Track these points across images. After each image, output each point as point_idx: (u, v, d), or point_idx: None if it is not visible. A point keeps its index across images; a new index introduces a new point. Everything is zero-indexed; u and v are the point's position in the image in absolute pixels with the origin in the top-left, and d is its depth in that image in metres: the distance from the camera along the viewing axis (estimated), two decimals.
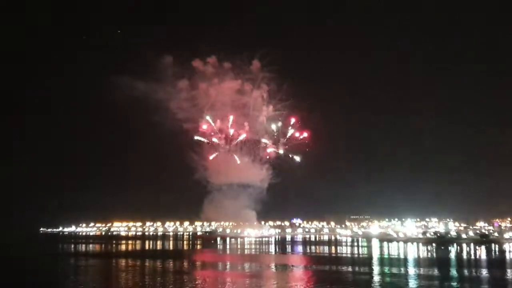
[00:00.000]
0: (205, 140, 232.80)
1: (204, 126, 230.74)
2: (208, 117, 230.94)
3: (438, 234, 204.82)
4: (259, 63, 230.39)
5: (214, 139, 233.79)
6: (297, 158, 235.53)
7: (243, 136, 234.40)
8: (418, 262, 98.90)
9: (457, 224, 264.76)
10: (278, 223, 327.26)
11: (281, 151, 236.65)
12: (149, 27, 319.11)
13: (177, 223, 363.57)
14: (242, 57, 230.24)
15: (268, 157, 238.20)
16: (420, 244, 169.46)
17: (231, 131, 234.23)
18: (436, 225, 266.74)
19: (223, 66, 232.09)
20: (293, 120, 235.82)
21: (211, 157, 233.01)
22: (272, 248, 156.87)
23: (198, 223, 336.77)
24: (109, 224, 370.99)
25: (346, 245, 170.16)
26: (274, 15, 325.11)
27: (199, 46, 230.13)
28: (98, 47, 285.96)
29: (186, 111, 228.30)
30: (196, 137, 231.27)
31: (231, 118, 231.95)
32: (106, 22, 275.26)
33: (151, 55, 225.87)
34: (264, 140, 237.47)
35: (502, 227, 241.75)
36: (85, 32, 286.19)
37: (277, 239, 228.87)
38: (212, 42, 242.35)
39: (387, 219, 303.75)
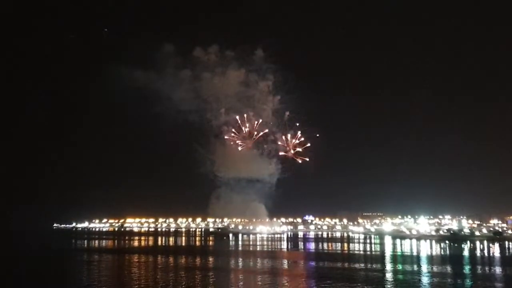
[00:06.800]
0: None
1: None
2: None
3: (451, 232, 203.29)
4: (263, 53, 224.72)
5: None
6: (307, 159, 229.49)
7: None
8: (431, 260, 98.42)
9: (470, 221, 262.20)
10: (290, 219, 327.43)
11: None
12: (148, 15, 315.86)
13: (190, 219, 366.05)
14: (245, 46, 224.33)
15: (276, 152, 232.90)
16: (433, 242, 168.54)
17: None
18: (449, 223, 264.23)
19: (226, 55, 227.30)
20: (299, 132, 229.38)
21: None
22: (284, 245, 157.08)
23: (210, 219, 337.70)
24: (122, 220, 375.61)
25: (359, 242, 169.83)
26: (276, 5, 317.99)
27: (200, 34, 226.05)
28: (97, 37, 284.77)
29: (189, 102, 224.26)
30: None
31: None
32: (106, 11, 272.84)
33: (151, 44, 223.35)
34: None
35: None
36: (84, 23, 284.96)
37: (289, 236, 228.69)
38: (213, 30, 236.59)
39: (400, 216, 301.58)
